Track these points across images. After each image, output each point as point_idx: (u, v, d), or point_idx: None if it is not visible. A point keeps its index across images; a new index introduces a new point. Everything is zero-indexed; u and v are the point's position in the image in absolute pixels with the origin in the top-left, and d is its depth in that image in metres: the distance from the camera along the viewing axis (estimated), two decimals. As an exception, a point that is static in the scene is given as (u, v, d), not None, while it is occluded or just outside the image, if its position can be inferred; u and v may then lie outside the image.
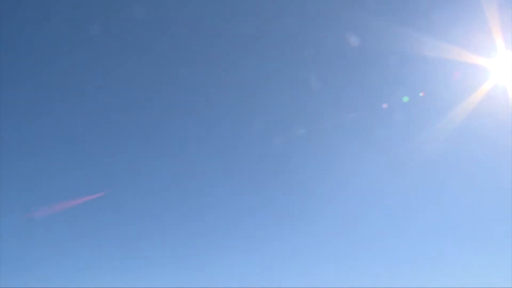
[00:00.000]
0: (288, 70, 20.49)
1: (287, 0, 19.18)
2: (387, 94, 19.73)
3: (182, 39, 20.17)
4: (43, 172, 21.30)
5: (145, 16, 18.50)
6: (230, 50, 20.41)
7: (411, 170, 20.82)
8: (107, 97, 21.42)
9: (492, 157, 19.29)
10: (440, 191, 21.65)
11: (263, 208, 22.56)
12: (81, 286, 19.38)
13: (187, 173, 22.57)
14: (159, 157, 22.70)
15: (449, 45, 17.36)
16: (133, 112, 21.98)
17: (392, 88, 19.87)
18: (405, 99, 19.16)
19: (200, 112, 22.17)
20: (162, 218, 22.11)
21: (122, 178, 22.12)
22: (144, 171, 22.42)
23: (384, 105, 19.54)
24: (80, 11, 18.72)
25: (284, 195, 22.87)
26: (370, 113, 20.06)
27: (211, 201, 22.57)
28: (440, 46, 17.63)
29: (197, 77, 21.16)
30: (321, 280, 19.79)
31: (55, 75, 20.29)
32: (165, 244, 21.70)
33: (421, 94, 20.02)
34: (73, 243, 20.64)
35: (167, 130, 22.70)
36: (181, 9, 19.26)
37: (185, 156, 22.57)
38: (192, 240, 21.83)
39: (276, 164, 22.65)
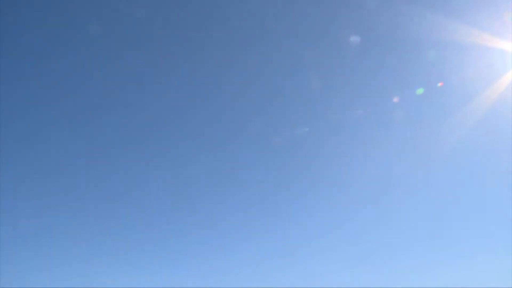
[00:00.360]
0: (295, 64, 19.54)
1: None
2: (399, 86, 18.22)
3: (182, 38, 19.62)
4: (42, 172, 21.18)
5: (144, 16, 18.06)
6: (233, 49, 19.71)
7: (429, 167, 19.39)
8: (106, 97, 21.12)
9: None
10: (464, 186, 20.11)
11: (266, 208, 21.83)
12: (81, 286, 19.03)
13: (187, 173, 22.08)
14: (161, 157, 22.26)
15: (471, 28, 15.61)
16: (133, 112, 21.62)
17: (406, 79, 18.32)
18: (420, 91, 17.52)
19: (201, 112, 21.64)
20: (162, 219, 21.65)
21: (121, 178, 21.79)
22: (144, 170, 22.01)
23: (395, 99, 17.95)
24: (78, 11, 18.46)
25: (288, 194, 22.06)
26: (380, 108, 18.67)
27: (212, 201, 22.00)
28: (460, 30, 15.90)
29: (197, 77, 20.59)
30: (323, 280, 19.09)
31: (51, 76, 20.15)
32: (165, 244, 21.24)
33: (439, 84, 18.28)
34: (73, 244, 20.38)
35: (168, 129, 22.21)
36: (182, 8, 18.74)
37: (186, 156, 22.06)
38: (193, 240, 21.31)
39: (279, 163, 21.84)
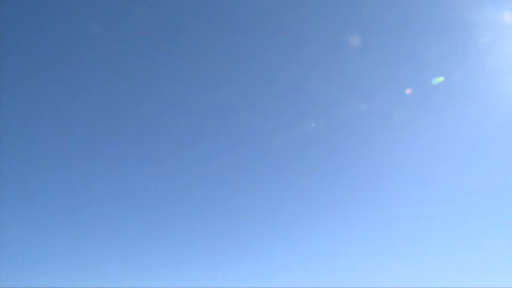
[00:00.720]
0: (300, 60, 18.48)
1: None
2: (413, 75, 16.56)
3: (186, 39, 18.97)
4: (43, 172, 21.01)
5: (146, 16, 17.52)
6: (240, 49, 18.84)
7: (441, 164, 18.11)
8: (107, 98, 20.69)
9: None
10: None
11: (269, 208, 21.21)
12: (81, 286, 18.94)
13: (189, 173, 21.67)
14: (168, 156, 21.85)
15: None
16: (136, 112, 21.21)
17: (422, 67, 16.54)
18: (438, 80, 15.64)
19: (204, 114, 21.08)
20: (169, 220, 21.29)
21: (123, 178, 21.46)
22: (148, 169, 21.61)
23: (408, 91, 16.23)
24: (80, 11, 17.99)
25: (292, 194, 21.37)
26: (393, 100, 17.19)
27: (214, 201, 21.51)
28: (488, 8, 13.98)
29: (202, 78, 19.96)
30: (324, 281, 18.55)
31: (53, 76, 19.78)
32: (171, 245, 20.92)
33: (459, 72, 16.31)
34: (74, 244, 20.24)
35: (175, 128, 21.73)
36: (184, 9, 18.08)
37: (188, 157, 21.62)
38: (196, 242, 20.88)
39: (284, 161, 21.12)
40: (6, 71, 18.58)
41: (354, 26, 16.02)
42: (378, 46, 16.85)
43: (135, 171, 21.75)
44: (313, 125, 18.94)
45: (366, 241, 20.39)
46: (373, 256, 20.01)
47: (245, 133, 21.32)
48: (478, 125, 16.58)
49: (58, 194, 20.99)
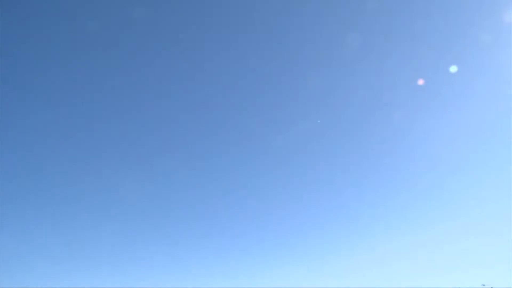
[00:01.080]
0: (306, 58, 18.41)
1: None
2: (413, 75, 16.52)
3: (187, 39, 18.88)
4: (43, 173, 20.94)
5: (144, 17, 17.47)
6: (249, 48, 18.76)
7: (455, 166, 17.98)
8: (107, 100, 20.58)
9: None
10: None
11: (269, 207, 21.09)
12: (81, 286, 19.03)
13: (189, 173, 21.52)
14: (167, 156, 21.73)
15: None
16: (136, 112, 21.10)
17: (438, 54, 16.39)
18: (453, 68, 15.47)
19: (205, 114, 20.99)
20: (168, 220, 21.20)
21: (122, 178, 21.31)
22: (148, 169, 21.49)
23: (420, 81, 16.08)
24: (79, 11, 17.98)
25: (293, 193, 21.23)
26: (393, 100, 17.11)
27: (215, 200, 21.40)
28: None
29: (205, 79, 19.91)
30: (323, 280, 18.57)
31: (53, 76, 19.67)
32: (170, 245, 20.78)
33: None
34: (74, 244, 20.14)
35: (173, 127, 21.63)
36: (185, 9, 18.07)
37: (188, 157, 21.49)
38: (195, 241, 20.76)
39: (286, 160, 21.00)
40: (5, 71, 18.52)
41: (353, 26, 16.09)
42: (378, 46, 16.83)
43: (134, 171, 21.71)
44: (319, 121, 19.00)
45: (367, 240, 20.41)
46: (374, 256, 20.03)
47: (245, 133, 21.32)
48: (477, 122, 16.57)
49: (58, 195, 20.94)
